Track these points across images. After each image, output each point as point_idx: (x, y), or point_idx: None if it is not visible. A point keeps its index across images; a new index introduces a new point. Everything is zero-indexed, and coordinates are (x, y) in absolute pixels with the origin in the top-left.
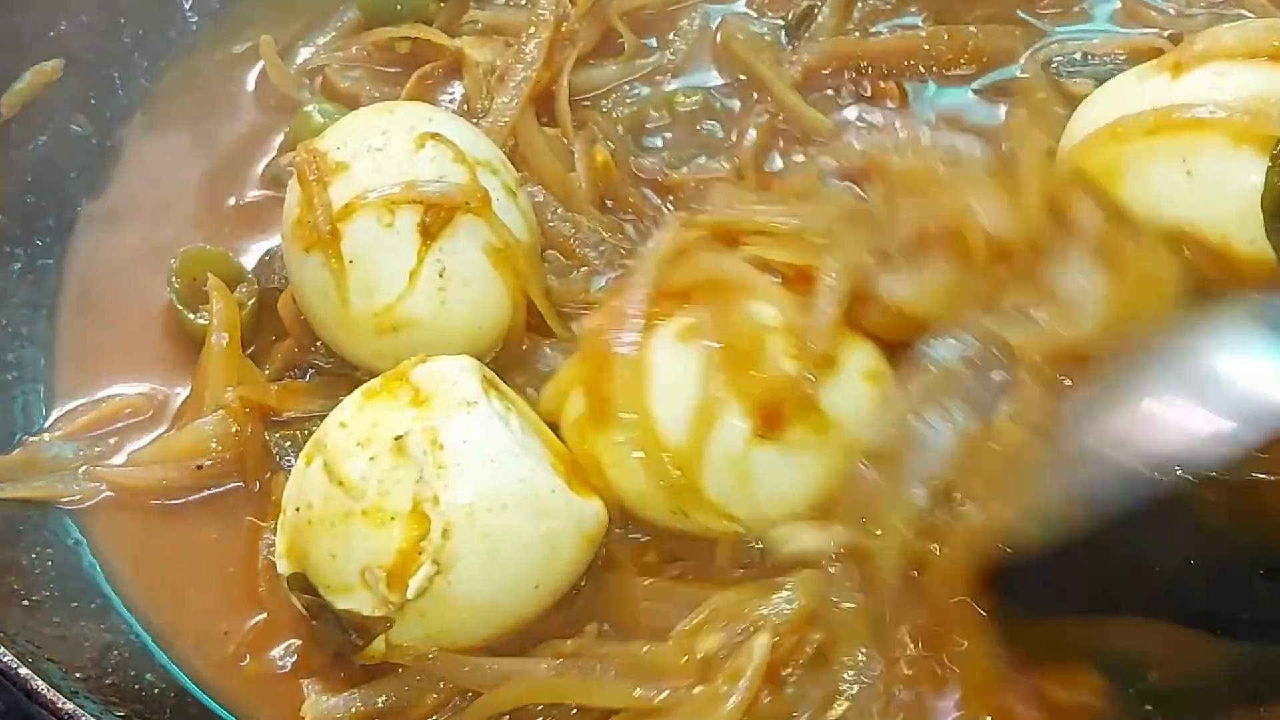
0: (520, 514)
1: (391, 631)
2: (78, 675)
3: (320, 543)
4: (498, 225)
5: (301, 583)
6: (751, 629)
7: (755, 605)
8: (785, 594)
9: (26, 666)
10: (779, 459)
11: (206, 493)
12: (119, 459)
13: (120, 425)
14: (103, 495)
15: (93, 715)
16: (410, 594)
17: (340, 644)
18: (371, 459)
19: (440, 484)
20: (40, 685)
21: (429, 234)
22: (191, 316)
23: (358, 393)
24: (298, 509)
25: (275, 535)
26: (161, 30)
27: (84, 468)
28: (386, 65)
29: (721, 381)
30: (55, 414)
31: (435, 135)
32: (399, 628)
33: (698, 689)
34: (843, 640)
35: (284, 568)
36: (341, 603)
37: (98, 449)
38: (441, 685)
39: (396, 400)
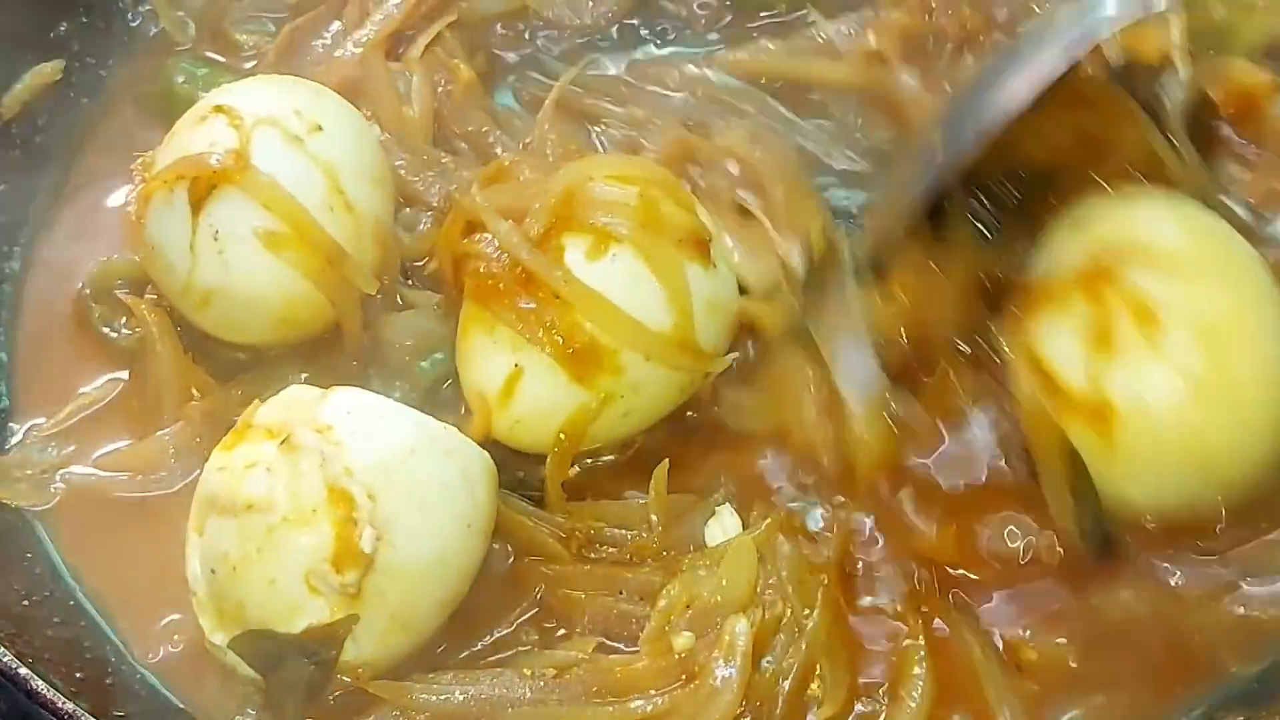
0: (429, 456)
1: (360, 634)
2: (78, 675)
3: (253, 579)
4: (268, 195)
5: (246, 641)
6: (718, 616)
7: (706, 590)
8: (728, 570)
9: (26, 666)
10: None
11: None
12: (84, 465)
13: (84, 429)
14: (65, 499)
15: (92, 715)
16: (367, 548)
17: (309, 680)
18: (268, 470)
19: (345, 456)
20: (40, 685)
21: (197, 204)
22: (115, 336)
23: (215, 451)
24: (213, 571)
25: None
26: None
27: (53, 473)
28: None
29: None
30: (22, 420)
31: (219, 108)
32: (365, 623)
33: (690, 687)
34: (800, 603)
35: (221, 640)
36: (296, 624)
37: (65, 452)
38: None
39: (256, 444)
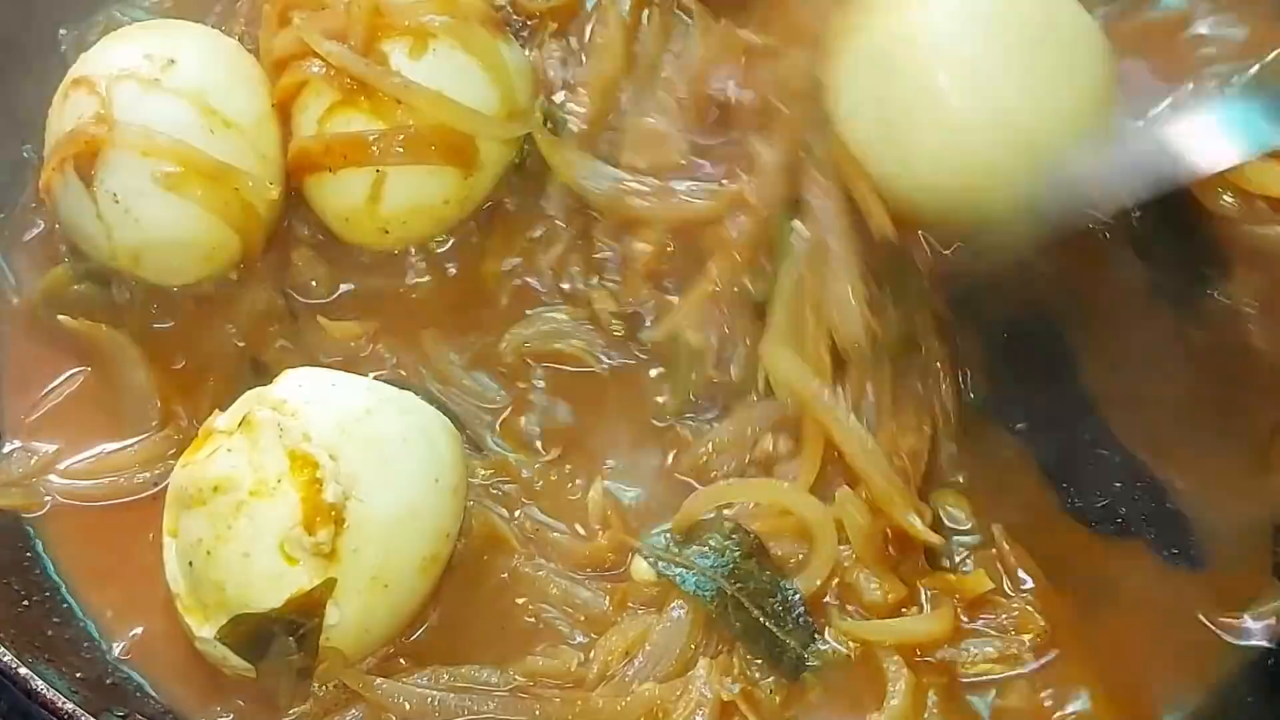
0: (385, 414)
1: (341, 597)
2: (78, 675)
3: (228, 557)
4: (143, 143)
5: (232, 628)
6: (667, 660)
7: (652, 633)
8: (677, 606)
9: (26, 666)
10: None
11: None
12: (69, 470)
13: (64, 435)
14: (56, 503)
15: (92, 715)
16: (331, 498)
17: (298, 663)
18: (229, 451)
19: (302, 424)
20: (40, 685)
21: (87, 177)
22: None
23: (179, 462)
24: (190, 564)
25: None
26: None
27: (40, 479)
28: None
29: None
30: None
31: (75, 81)
32: (345, 585)
33: None
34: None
35: (208, 633)
36: (276, 597)
37: (47, 458)
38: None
39: (216, 443)
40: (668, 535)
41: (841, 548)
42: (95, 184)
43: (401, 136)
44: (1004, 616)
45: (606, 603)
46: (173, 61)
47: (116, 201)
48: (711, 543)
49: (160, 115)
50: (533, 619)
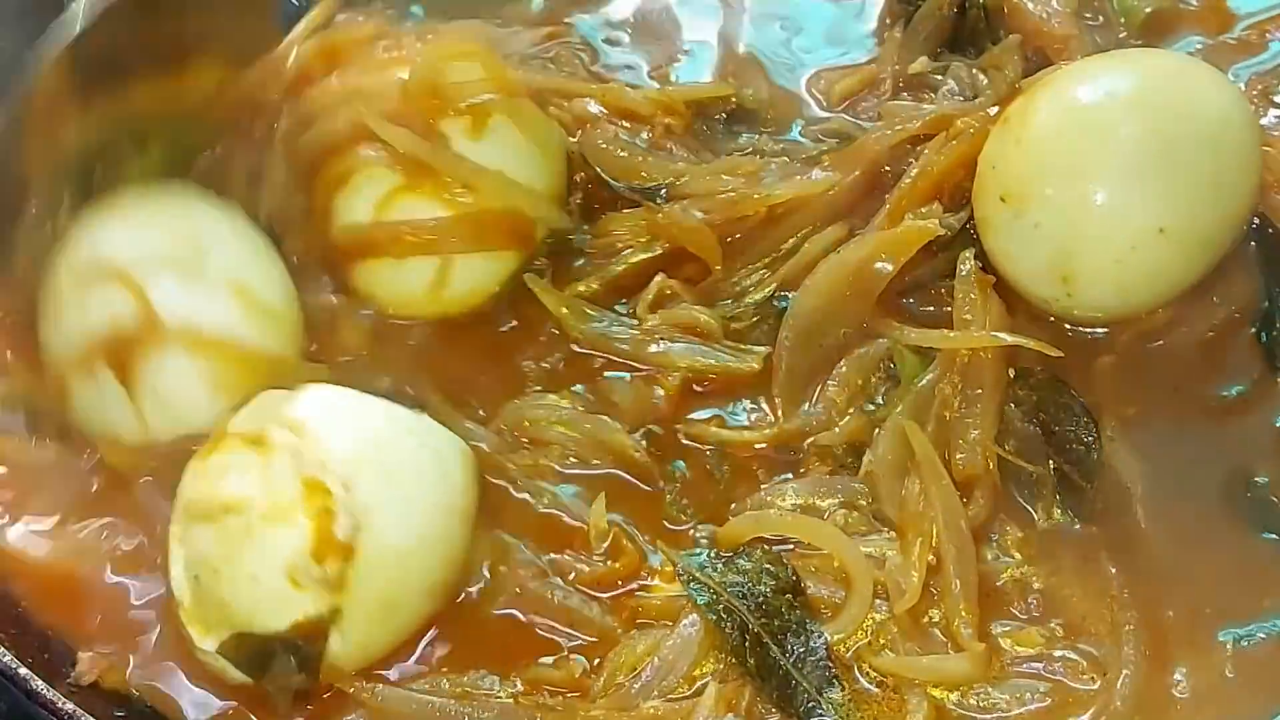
0: (401, 442)
1: (346, 625)
2: None
3: (235, 579)
4: (190, 341)
5: (234, 645)
6: (674, 675)
7: (665, 645)
8: (689, 623)
9: (26, 667)
10: None
11: None
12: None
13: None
14: None
15: (92, 715)
16: (342, 536)
17: (298, 681)
18: (242, 471)
19: (317, 449)
20: (40, 685)
21: (124, 376)
22: None
23: (192, 460)
24: (196, 577)
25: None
26: None
27: None
28: None
29: None
30: None
31: (96, 264)
32: (350, 610)
33: None
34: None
35: (211, 644)
36: (281, 620)
37: None
38: None
39: (231, 451)
40: (709, 554)
41: (878, 601)
42: (134, 383)
43: (469, 221)
44: (1058, 669)
45: (614, 621)
46: (203, 248)
47: (157, 396)
48: (747, 570)
49: (201, 308)
50: (540, 632)
